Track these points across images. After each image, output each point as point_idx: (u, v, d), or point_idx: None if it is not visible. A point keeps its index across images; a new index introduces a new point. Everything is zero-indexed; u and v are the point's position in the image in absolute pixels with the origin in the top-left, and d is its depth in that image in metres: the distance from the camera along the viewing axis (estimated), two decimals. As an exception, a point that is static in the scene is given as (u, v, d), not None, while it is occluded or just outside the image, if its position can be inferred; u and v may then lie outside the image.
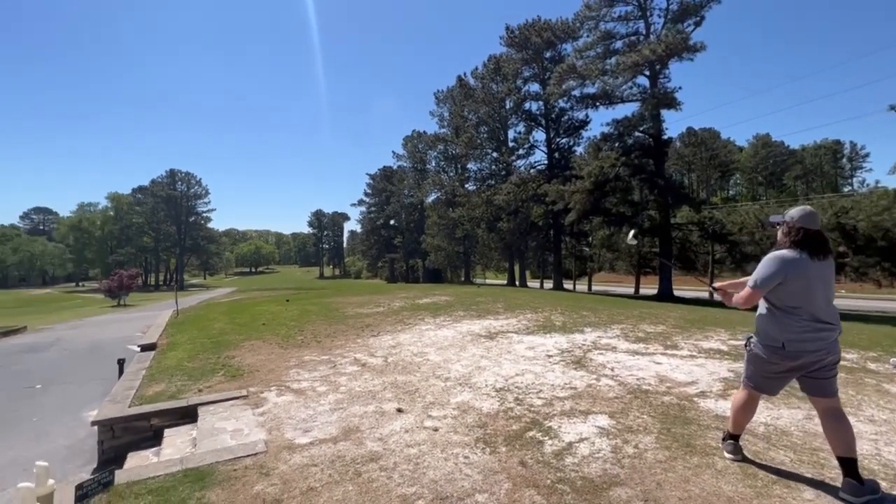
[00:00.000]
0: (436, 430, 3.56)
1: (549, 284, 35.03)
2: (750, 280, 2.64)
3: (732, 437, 2.97)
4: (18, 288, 70.82)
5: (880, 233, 23.13)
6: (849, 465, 2.47)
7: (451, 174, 47.31)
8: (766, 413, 3.71)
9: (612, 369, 5.12)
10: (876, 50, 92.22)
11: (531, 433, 3.43)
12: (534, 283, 38.54)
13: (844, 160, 72.94)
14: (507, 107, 36.16)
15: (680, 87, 23.67)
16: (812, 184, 72.72)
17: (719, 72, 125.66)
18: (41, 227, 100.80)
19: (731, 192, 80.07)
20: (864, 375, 4.72)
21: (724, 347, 6.11)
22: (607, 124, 26.43)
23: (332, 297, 14.91)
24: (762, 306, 2.70)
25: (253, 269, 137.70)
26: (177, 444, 3.82)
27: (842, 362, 5.61)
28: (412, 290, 16.83)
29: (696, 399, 4.09)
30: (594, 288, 36.84)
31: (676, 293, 25.13)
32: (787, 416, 3.64)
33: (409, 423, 3.73)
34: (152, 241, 75.42)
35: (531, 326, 8.05)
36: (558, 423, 3.62)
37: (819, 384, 2.61)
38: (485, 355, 5.95)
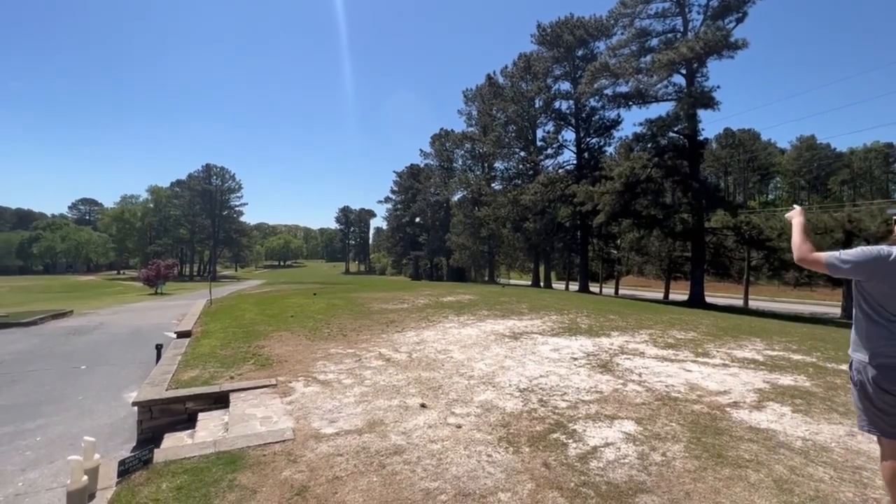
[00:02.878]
0: (459, 426, 3.58)
1: (574, 286, 34.47)
2: (834, 252, 2.13)
3: None
4: (65, 274, 75.21)
5: (935, 242, 21.64)
6: None
7: (478, 173, 47.20)
8: (805, 427, 3.56)
9: (640, 375, 5.00)
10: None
11: (555, 435, 3.40)
12: (559, 285, 38.03)
13: (897, 164, 68.59)
14: (537, 106, 35.75)
15: (718, 86, 22.84)
16: (860, 189, 68.73)
17: (761, 69, 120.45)
18: (87, 218, 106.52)
19: (770, 196, 76.60)
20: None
21: (759, 357, 5.87)
22: (640, 124, 25.76)
23: (358, 293, 15.15)
24: (857, 310, 2.17)
25: (281, 263, 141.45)
26: (210, 428, 3.98)
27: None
28: (436, 288, 16.91)
29: (728, 409, 3.96)
30: (621, 292, 36.00)
31: (709, 300, 24.29)
32: (827, 432, 3.47)
33: (432, 418, 3.76)
34: (188, 232, 78.44)
35: (556, 328, 7.96)
36: (583, 426, 3.57)
37: None
38: (509, 355, 5.92)
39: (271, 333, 7.69)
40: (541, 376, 4.95)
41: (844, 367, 5.46)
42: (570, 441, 3.30)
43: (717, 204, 25.42)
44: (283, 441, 3.35)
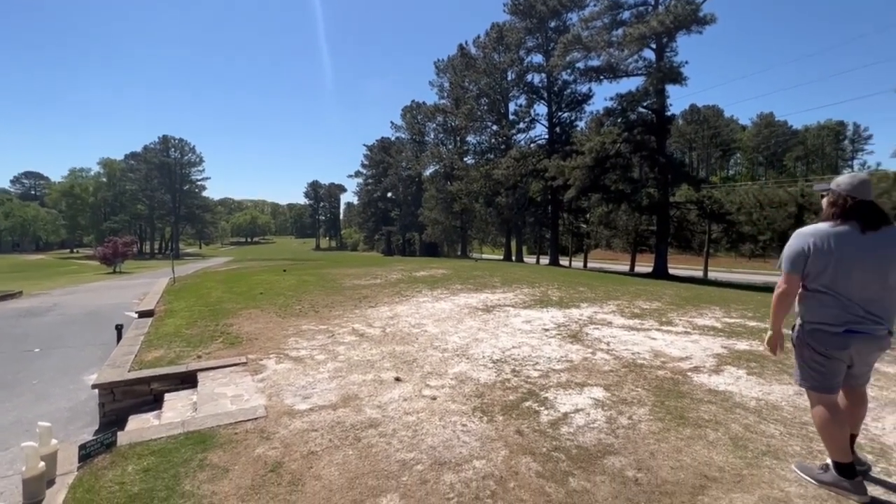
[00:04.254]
0: (434, 398, 3.62)
1: (545, 260, 35.17)
2: (780, 265, 2.36)
3: (842, 468, 2.30)
4: (12, 253, 70.37)
5: (877, 215, 23.14)
6: (850, 440, 2.41)
7: (450, 147, 46.65)
8: (758, 388, 3.79)
9: (608, 344, 5.18)
10: (883, 28, 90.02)
11: (527, 403, 3.49)
12: (530, 259, 38.70)
13: (846, 142, 72.38)
14: (509, 78, 35.32)
15: (686, 62, 23.10)
16: (812, 165, 72.38)
17: (726, 47, 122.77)
18: (33, 193, 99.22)
19: (730, 171, 79.62)
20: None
21: (718, 325, 6.19)
22: (610, 99, 25.98)
23: (329, 269, 14.91)
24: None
25: (249, 240, 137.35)
26: (178, 408, 3.87)
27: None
28: (409, 263, 16.86)
29: (689, 374, 4.17)
30: (590, 265, 37.05)
31: (672, 271, 25.33)
32: (778, 392, 3.71)
33: (407, 391, 3.78)
34: (146, 208, 74.60)
35: (528, 301, 8.11)
36: (554, 394, 3.68)
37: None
38: (482, 328, 6.00)
39: (240, 311, 7.49)
40: (513, 347, 5.05)
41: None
42: (542, 408, 3.40)
43: (682, 179, 26.22)
44: (256, 419, 3.30)
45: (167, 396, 4.16)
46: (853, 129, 71.21)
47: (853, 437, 2.47)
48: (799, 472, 2.51)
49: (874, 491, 2.31)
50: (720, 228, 28.69)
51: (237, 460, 2.72)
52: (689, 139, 73.31)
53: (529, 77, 33.86)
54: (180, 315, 7.43)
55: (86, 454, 2.65)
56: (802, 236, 2.29)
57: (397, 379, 4.06)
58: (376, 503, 2.29)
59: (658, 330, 5.86)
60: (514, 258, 35.94)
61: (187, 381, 4.40)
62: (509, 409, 3.38)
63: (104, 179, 73.12)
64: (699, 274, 29.11)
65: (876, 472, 2.52)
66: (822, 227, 2.26)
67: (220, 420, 3.28)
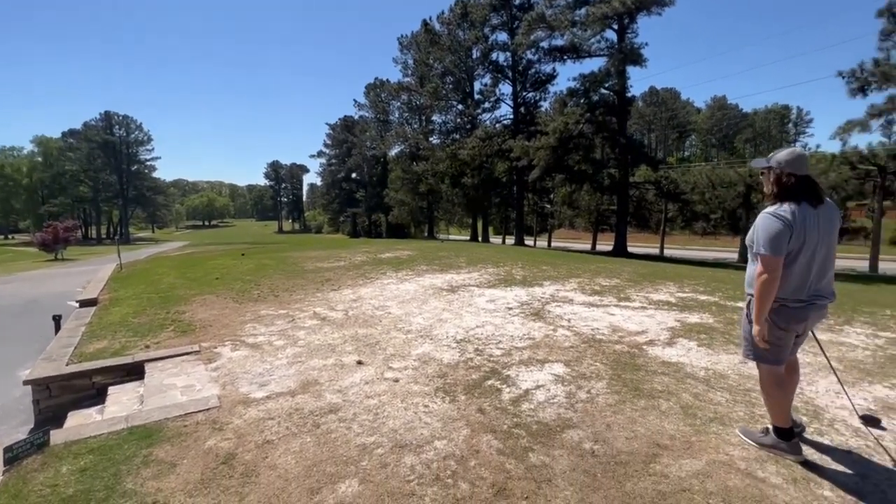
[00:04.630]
0: (396, 381, 3.57)
1: (511, 240, 35.64)
2: (759, 249, 2.22)
3: (781, 431, 2.44)
4: (-65, 240, 64.09)
5: (816, 194, 24.76)
6: None
7: (415, 126, 45.84)
8: (707, 359, 3.97)
9: (569, 321, 5.29)
10: (824, 18, 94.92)
11: (490, 382, 3.51)
12: (496, 239, 39.11)
13: (790, 125, 76.58)
14: (474, 56, 34.83)
15: (646, 44, 23.53)
16: (760, 147, 76.26)
17: (683, 31, 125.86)
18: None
19: (686, 153, 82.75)
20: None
21: (672, 299, 6.45)
22: (574, 79, 26.16)
23: (291, 252, 14.47)
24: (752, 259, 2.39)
25: (206, 223, 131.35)
26: (122, 402, 3.65)
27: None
28: (374, 245, 16.61)
29: (644, 347, 4.31)
30: (554, 244, 37.90)
31: (630, 249, 26.28)
32: (725, 362, 3.91)
33: (369, 374, 3.72)
34: (90, 190, 69.43)
35: (492, 280, 8.16)
36: (516, 371, 3.72)
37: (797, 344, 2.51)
38: (446, 308, 5.99)
39: (193, 298, 7.14)
40: (477, 327, 5.07)
41: (741, 304, 6.16)
42: (504, 386, 3.43)
43: (642, 159, 27.00)
44: (208, 409, 3.15)
45: (111, 390, 3.91)
46: (797, 112, 75.38)
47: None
48: (742, 436, 2.64)
49: (807, 450, 2.47)
50: (676, 208, 29.91)
51: (186, 454, 2.59)
52: (648, 121, 75.40)
53: (494, 55, 33.54)
54: (127, 303, 7.00)
55: (12, 457, 2.43)
56: (779, 218, 2.20)
57: (359, 362, 3.98)
58: (334, 490, 2.23)
59: (616, 306, 6.04)
60: (480, 239, 36.20)
61: (134, 372, 4.14)
62: (472, 388, 3.39)
63: (39, 159, 67.36)
64: (656, 251, 30.39)
65: (809, 432, 2.70)
66: (788, 207, 2.21)
67: (168, 412, 3.11)
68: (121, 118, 71.63)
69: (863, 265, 21.86)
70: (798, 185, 2.24)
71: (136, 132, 73.01)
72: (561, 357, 4.05)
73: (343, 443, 2.66)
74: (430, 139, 41.36)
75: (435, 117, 41.66)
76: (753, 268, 2.34)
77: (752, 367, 3.74)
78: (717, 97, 77.60)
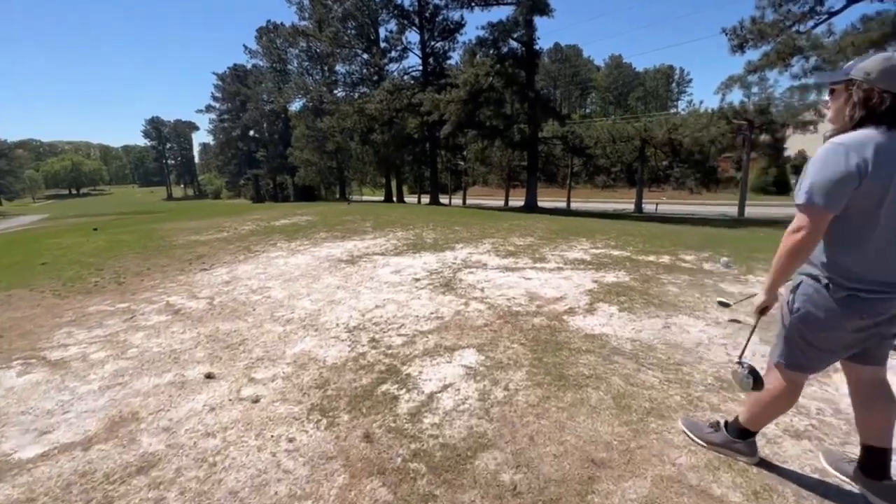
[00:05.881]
0: (256, 400, 2.63)
1: (426, 199, 34.83)
2: (800, 195, 1.52)
3: (743, 432, 1.96)
4: None
5: (698, 147, 27.26)
6: (881, 456, 1.74)
7: (317, 77, 41.81)
8: (630, 326, 3.58)
9: (482, 290, 4.67)
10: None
11: (384, 387, 2.72)
12: (412, 199, 38.08)
13: (674, 84, 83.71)
14: (377, -1, 31.92)
15: (553, -7, 23.04)
16: (650, 105, 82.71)
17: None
18: None
19: (587, 109, 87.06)
20: (703, 276, 5.05)
21: (587, 257, 6.16)
22: (482, 27, 25.08)
23: (165, 223, 12.17)
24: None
25: (74, 192, 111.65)
26: None
27: (682, 263, 6.13)
28: (274, 210, 14.73)
29: (565, 317, 3.82)
30: (469, 201, 37.91)
31: (541, 204, 27.00)
32: (648, 328, 3.54)
33: (218, 394, 2.72)
34: None
35: (400, 246, 7.31)
36: (419, 367, 2.97)
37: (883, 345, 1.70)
38: (342, 285, 5.04)
39: (-2, 293, 5.31)
40: (376, 307, 4.22)
41: (651, 258, 6.05)
42: (403, 392, 2.66)
43: (550, 114, 27.26)
44: (-75, 493, 1.95)
45: None
46: (679, 73, 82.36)
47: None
48: (687, 431, 2.17)
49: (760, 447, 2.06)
50: (581, 162, 31.14)
51: None
52: (554, 77, 77.35)
53: (399, -1, 30.97)
54: None
55: None
56: (846, 148, 1.44)
57: (208, 376, 2.95)
58: None
59: (532, 268, 5.57)
60: (395, 199, 34.91)
61: None
62: (360, 401, 2.57)
63: None
64: (564, 206, 31.72)
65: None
66: (870, 133, 1.44)
67: None
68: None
69: (733, 211, 24.72)
70: (893, 109, 1.45)
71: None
72: (474, 340, 3.39)
73: (144, 531, 1.70)
74: (335, 92, 38.05)
75: (339, 67, 38.09)
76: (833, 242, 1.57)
77: (676, 334, 3.40)
78: (614, 55, 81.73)
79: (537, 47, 26.01)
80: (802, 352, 1.71)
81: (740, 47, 15.83)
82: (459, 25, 30.49)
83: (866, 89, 1.48)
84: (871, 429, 1.74)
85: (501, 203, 34.73)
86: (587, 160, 30.25)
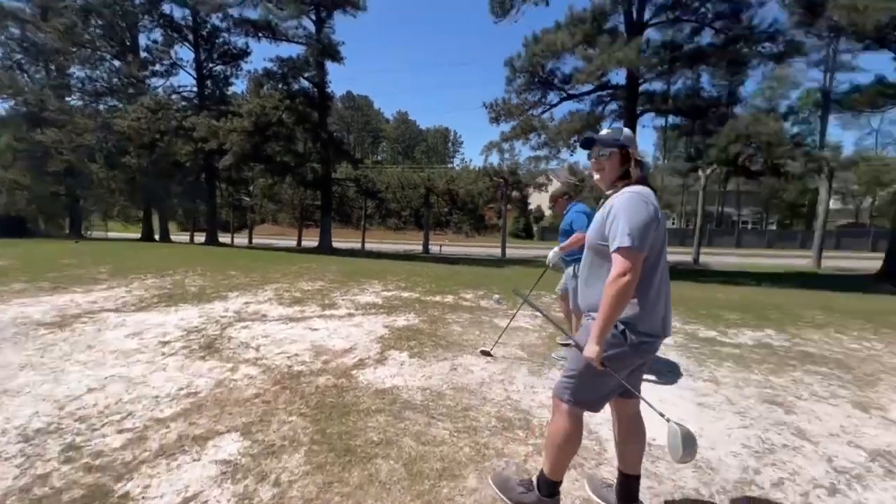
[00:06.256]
0: None
1: (202, 238, 29.85)
2: (619, 238, 1.60)
3: (550, 485, 1.91)
4: None
5: (470, 198, 31.94)
6: (635, 483, 1.95)
7: (38, 77, 31.85)
8: (421, 373, 3.47)
9: (258, 349, 3.90)
10: (471, 60, 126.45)
11: (75, 528, 1.76)
12: (182, 237, 32.08)
13: (450, 144, 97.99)
14: (137, 1, 26.95)
15: (343, 42, 23.92)
16: (432, 158, 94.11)
17: (378, 41, 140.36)
18: None
19: (379, 157, 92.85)
20: (481, 314, 5.51)
21: (378, 300, 6.02)
22: (271, 60, 23.86)
23: None
24: (593, 257, 1.81)
25: None
26: None
27: (463, 302, 6.64)
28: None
29: (354, 372, 3.46)
30: (257, 241, 34.35)
31: (336, 245, 26.55)
32: (437, 373, 3.49)
33: None
34: None
35: (147, 298, 5.70)
36: (146, 478, 2.09)
37: (640, 380, 1.97)
38: (32, 362, 3.44)
39: None
40: (89, 391, 2.97)
41: (437, 298, 6.35)
42: (109, 528, 1.77)
43: (343, 156, 27.58)
44: None
45: None
46: (454, 134, 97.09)
47: None
48: (499, 493, 1.99)
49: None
50: (374, 204, 32.35)
51: None
52: (347, 122, 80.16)
53: (167, 8, 26.92)
54: None
55: None
56: (648, 201, 1.67)
57: None
58: None
59: (321, 316, 5.06)
60: (157, 237, 28.71)
61: None
62: (16, 568, 1.57)
63: None
64: (359, 246, 32.07)
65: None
66: (647, 188, 1.74)
67: None
68: None
69: (497, 252, 29.54)
70: (644, 175, 1.81)
71: None
72: (238, 420, 2.66)
73: None
74: (67, 99, 29.57)
75: (75, 69, 30.05)
76: (594, 273, 1.79)
77: (462, 375, 3.45)
78: (402, 111, 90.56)
79: (329, 90, 26.34)
80: (591, 389, 1.80)
81: (496, 120, 19.45)
82: (244, 52, 28.35)
83: (631, 152, 1.81)
84: (629, 459, 1.94)
85: (294, 243, 32.73)
86: (380, 203, 31.64)
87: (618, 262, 1.59)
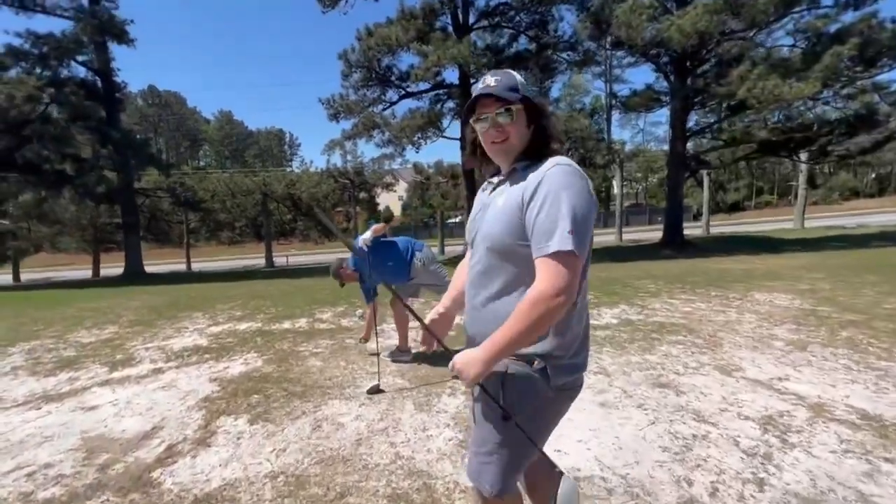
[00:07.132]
0: None
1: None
2: (559, 238, 0.99)
3: None
4: None
5: (315, 201, 29.79)
6: None
7: None
8: (269, 448, 2.43)
9: (-35, 472, 2.29)
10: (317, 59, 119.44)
11: None
12: None
13: (286, 146, 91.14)
14: None
15: (132, 21, 19.44)
16: (266, 162, 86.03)
17: (191, 35, 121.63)
18: None
19: (202, 162, 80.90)
20: (344, 336, 4.58)
21: (203, 341, 4.55)
22: (19, 35, 17.90)
23: None
24: (492, 262, 1.14)
25: None
26: None
27: (321, 325, 5.57)
28: None
29: (158, 471, 2.23)
30: (28, 276, 25.88)
31: (152, 269, 21.70)
32: (294, 439, 2.50)
33: None
34: None
35: None
36: None
37: None
38: None
39: None
40: None
41: (287, 324, 5.17)
42: None
43: (148, 161, 22.60)
44: None
45: None
46: (290, 136, 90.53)
47: None
48: None
49: None
50: (197, 217, 27.61)
51: None
52: (154, 122, 67.60)
53: None
54: None
55: None
56: (582, 174, 1.08)
57: None
58: None
59: (106, 384, 3.46)
60: None
61: None
62: None
63: None
64: (183, 268, 26.96)
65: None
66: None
67: None
68: None
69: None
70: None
71: None
72: None
73: None
74: None
75: None
76: (495, 287, 1.14)
77: (327, 438, 2.54)
78: (224, 111, 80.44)
79: (119, 80, 21.18)
80: (519, 466, 1.19)
81: (335, 117, 18.20)
82: (-28, 24, 20.78)
83: (541, 105, 1.19)
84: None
85: (90, 273, 25.71)
86: (205, 214, 27.09)
87: (552, 274, 1.00)
